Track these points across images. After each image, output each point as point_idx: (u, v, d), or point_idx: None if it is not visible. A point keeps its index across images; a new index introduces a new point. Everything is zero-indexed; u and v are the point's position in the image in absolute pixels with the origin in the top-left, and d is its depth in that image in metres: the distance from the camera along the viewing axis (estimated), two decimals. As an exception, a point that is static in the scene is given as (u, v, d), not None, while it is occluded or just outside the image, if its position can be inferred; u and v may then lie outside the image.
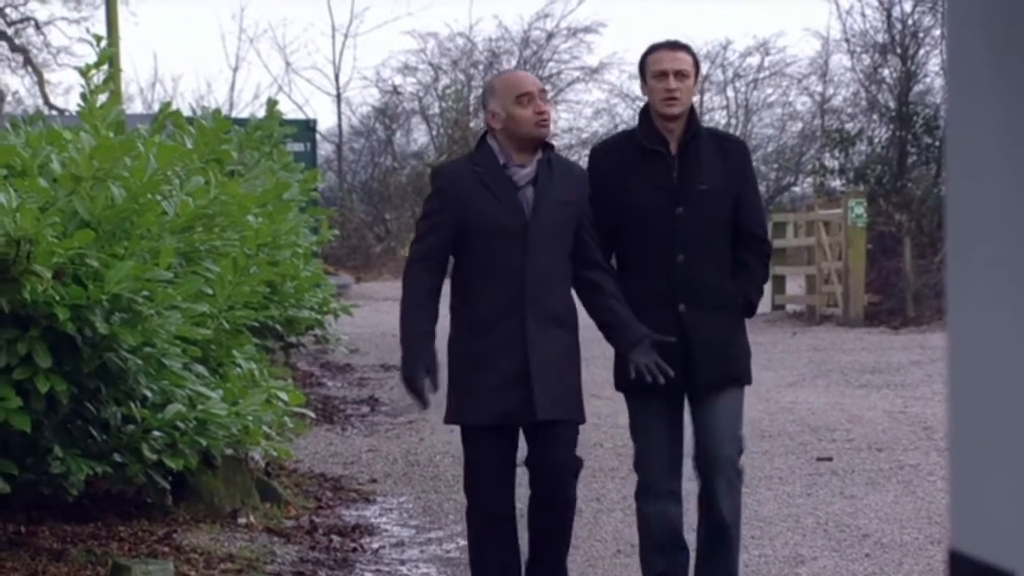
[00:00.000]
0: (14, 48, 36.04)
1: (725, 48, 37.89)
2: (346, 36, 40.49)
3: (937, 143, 23.92)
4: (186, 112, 10.48)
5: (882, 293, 22.05)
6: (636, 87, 36.66)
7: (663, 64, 6.14)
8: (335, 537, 8.30)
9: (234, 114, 31.10)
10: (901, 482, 9.67)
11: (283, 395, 7.78)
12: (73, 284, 6.24)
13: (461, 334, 6.05)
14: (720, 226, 6.14)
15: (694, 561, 6.30)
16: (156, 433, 7.03)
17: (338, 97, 38.29)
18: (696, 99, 6.79)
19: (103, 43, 8.30)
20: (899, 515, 8.70)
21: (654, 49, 6.23)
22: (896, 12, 26.15)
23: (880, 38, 26.59)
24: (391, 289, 27.07)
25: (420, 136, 39.14)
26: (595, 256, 6.12)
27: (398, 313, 6.07)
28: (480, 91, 35.79)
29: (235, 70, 52.83)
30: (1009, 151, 1.70)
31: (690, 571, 6.32)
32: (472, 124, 36.11)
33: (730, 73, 38.02)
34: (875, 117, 26.64)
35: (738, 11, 60.38)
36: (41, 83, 36.44)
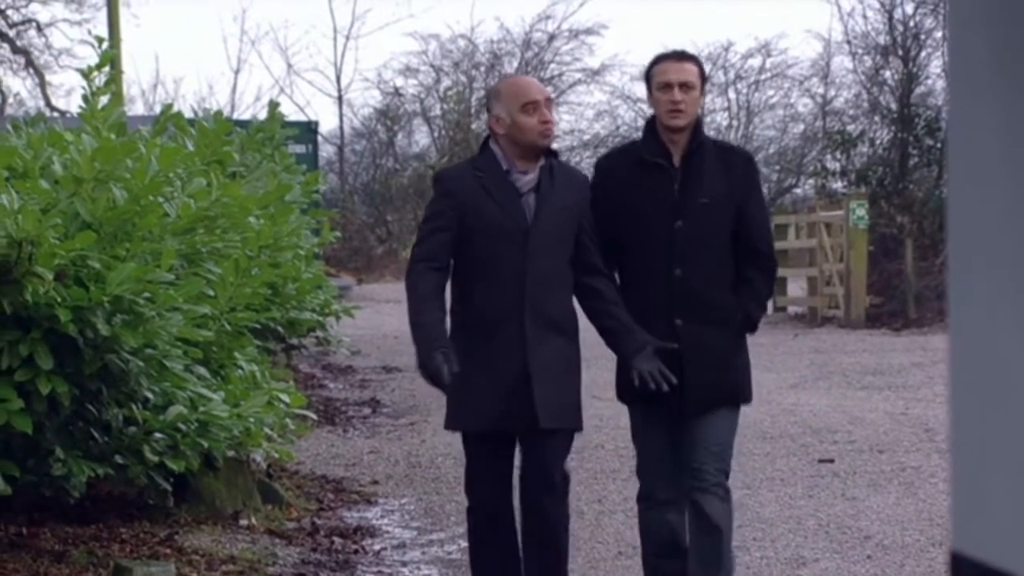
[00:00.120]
0: (16, 50, 36.05)
1: (726, 50, 37.88)
2: (348, 38, 40.47)
3: (939, 145, 23.91)
4: (188, 114, 10.50)
5: (883, 295, 22.06)
6: (637, 89, 36.51)
7: (668, 76, 6.07)
8: (337, 539, 8.30)
9: (236, 116, 31.10)
10: (903, 484, 9.67)
11: (284, 397, 7.78)
12: (75, 286, 6.24)
13: (461, 336, 6.05)
14: (721, 240, 6.07)
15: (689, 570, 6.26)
16: (158, 435, 7.04)
17: (340, 99, 38.31)
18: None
19: (105, 45, 8.31)
20: (901, 517, 8.70)
21: (660, 60, 6.17)
22: (898, 14, 26.16)
23: (882, 40, 26.59)
24: (393, 291, 27.07)
25: (422, 138, 39.15)
26: (596, 261, 6.10)
27: (406, 312, 6.00)
28: (482, 92, 35.94)
29: (237, 72, 52.66)
30: (1010, 152, 1.70)
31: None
32: (474, 126, 36.10)
33: (731, 75, 38.01)
34: (877, 119, 26.63)
35: (739, 13, 60.38)
36: (43, 85, 36.45)
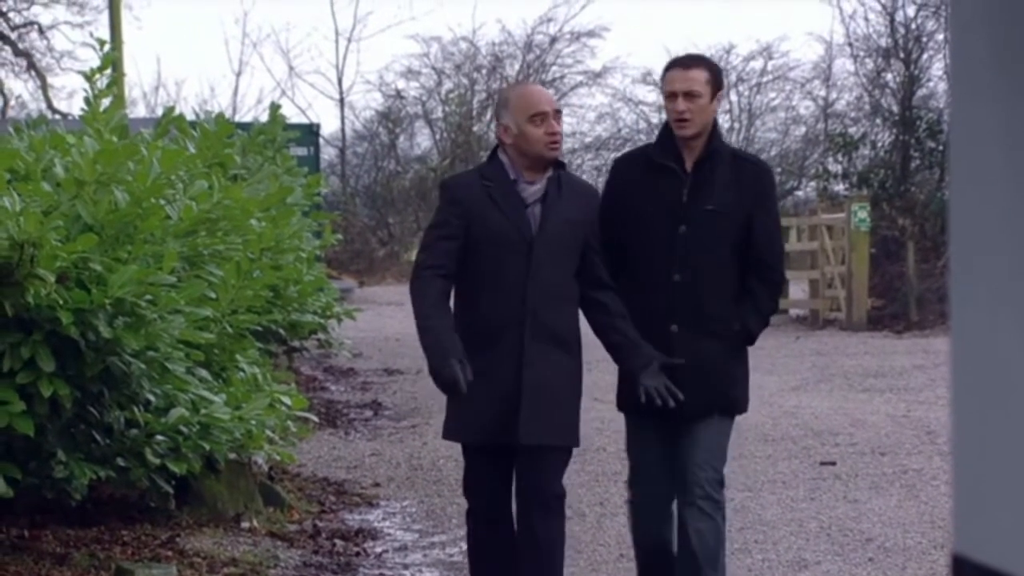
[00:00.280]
0: (17, 52, 36.05)
1: (728, 52, 37.84)
2: (349, 40, 40.46)
3: (940, 147, 23.92)
4: (189, 116, 10.49)
5: (885, 297, 22.06)
6: (639, 91, 36.47)
7: (673, 85, 6.01)
8: (338, 541, 8.30)
9: (237, 118, 31.10)
10: (904, 486, 9.66)
11: (286, 399, 7.78)
12: (76, 288, 6.24)
13: (463, 345, 6.04)
14: (724, 249, 6.00)
15: None
16: (159, 437, 7.04)
17: (341, 101, 38.30)
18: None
19: (106, 47, 8.32)
20: (902, 519, 8.69)
21: (669, 67, 6.12)
22: (899, 16, 26.16)
23: (883, 42, 26.59)
24: (394, 293, 27.09)
25: (423, 140, 39.13)
26: (602, 276, 6.06)
27: (408, 315, 5.99)
28: (483, 95, 35.94)
29: (238, 74, 52.82)
30: (1012, 154, 1.70)
31: None
32: (475, 128, 36.10)
33: (733, 77, 37.99)
34: (878, 121, 26.63)
35: (741, 15, 60.36)
36: (44, 87, 36.44)
